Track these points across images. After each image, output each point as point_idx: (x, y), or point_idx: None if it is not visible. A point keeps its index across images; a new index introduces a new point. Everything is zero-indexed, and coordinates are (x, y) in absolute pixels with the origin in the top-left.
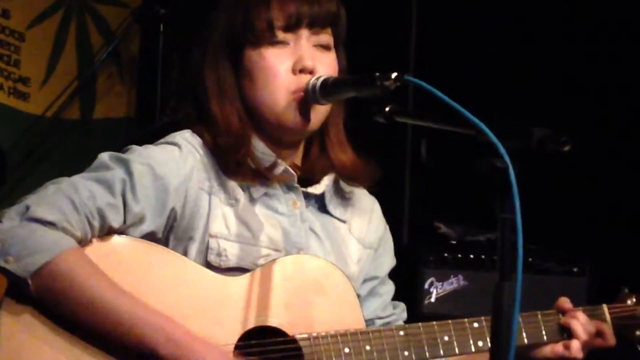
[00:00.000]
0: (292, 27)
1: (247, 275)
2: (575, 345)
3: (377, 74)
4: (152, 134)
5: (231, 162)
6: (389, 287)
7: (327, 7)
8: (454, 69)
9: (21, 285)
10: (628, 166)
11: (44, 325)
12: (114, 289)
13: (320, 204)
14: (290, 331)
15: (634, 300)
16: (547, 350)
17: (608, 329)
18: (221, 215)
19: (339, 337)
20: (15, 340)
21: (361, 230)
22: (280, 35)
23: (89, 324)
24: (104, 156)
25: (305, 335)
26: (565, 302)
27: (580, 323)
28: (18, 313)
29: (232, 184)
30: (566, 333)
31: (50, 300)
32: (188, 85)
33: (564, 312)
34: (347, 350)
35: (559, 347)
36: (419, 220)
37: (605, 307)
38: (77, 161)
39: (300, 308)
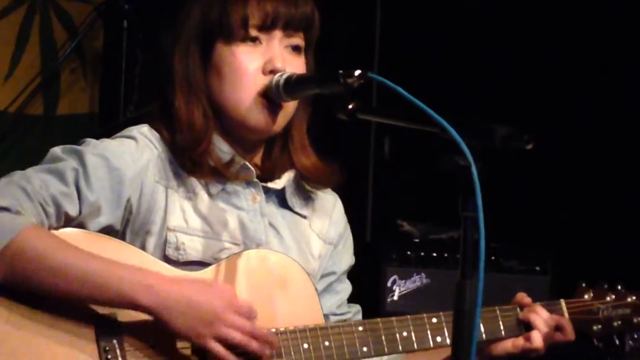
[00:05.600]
0: (267, 27)
1: (210, 269)
2: (536, 335)
3: (341, 71)
4: (115, 130)
5: (188, 160)
6: (346, 286)
7: (303, 10)
8: (417, 67)
9: None
10: (592, 165)
11: (16, 310)
12: (83, 252)
13: (280, 198)
14: None
15: (591, 295)
16: (508, 344)
17: (568, 323)
18: (179, 208)
19: (297, 333)
20: None
21: (322, 227)
22: (254, 33)
23: (62, 291)
24: (56, 149)
25: None
26: (523, 297)
27: (540, 316)
28: None
29: (191, 180)
30: (525, 328)
31: (18, 279)
32: (155, 76)
33: (522, 306)
34: (305, 345)
35: (519, 341)
36: (382, 218)
37: (563, 302)
38: (40, 157)
39: (262, 304)
